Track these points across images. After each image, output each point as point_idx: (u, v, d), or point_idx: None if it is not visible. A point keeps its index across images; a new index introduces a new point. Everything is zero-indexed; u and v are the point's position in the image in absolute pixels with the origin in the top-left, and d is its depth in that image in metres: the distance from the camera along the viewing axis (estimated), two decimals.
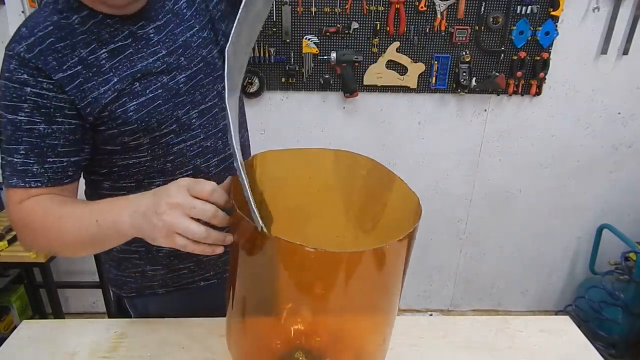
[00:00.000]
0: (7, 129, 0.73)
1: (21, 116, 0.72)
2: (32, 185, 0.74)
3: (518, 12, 1.85)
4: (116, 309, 1.05)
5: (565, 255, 2.36)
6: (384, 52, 1.90)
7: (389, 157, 2.12)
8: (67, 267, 2.24)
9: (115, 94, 0.75)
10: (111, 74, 0.75)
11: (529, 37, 1.89)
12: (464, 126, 2.07)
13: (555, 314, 2.41)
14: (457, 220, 2.27)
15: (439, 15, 1.84)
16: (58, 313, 2.11)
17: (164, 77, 0.79)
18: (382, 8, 1.83)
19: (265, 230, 0.56)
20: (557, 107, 2.04)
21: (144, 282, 0.96)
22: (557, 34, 1.89)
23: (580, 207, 2.25)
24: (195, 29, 0.83)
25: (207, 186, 0.64)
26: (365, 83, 1.95)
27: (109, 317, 1.18)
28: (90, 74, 0.74)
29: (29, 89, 0.71)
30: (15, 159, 0.74)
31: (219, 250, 0.65)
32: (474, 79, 1.93)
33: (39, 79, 0.71)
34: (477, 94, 2.00)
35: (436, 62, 1.93)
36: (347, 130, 2.06)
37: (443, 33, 1.88)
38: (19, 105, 0.72)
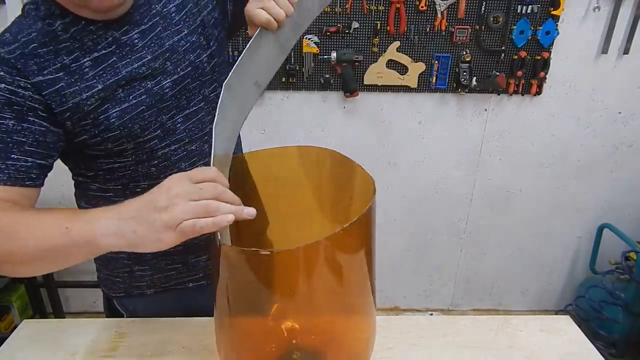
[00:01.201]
0: None
1: None
2: None
3: (518, 11, 1.85)
4: (107, 309, 1.04)
5: (566, 255, 2.36)
6: (385, 51, 1.90)
7: (389, 156, 2.11)
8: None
9: (99, 102, 0.73)
10: (94, 81, 0.73)
11: (530, 37, 1.88)
12: (464, 126, 2.07)
13: (556, 314, 2.41)
14: (457, 220, 2.27)
15: (439, 15, 1.84)
16: (58, 312, 2.12)
17: (149, 83, 0.77)
18: (383, 7, 1.83)
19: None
20: (557, 107, 2.04)
21: (132, 283, 0.95)
22: (558, 33, 1.89)
23: (580, 206, 2.25)
24: (184, 33, 0.81)
25: (210, 170, 0.59)
26: (365, 83, 1.95)
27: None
28: (73, 80, 0.72)
29: (3, 85, 0.67)
30: None
31: (230, 218, 0.56)
32: (475, 78, 1.93)
33: (16, 77, 0.68)
34: (477, 93, 1.99)
35: (436, 62, 1.92)
36: (347, 130, 2.06)
37: (443, 32, 1.87)
38: None
